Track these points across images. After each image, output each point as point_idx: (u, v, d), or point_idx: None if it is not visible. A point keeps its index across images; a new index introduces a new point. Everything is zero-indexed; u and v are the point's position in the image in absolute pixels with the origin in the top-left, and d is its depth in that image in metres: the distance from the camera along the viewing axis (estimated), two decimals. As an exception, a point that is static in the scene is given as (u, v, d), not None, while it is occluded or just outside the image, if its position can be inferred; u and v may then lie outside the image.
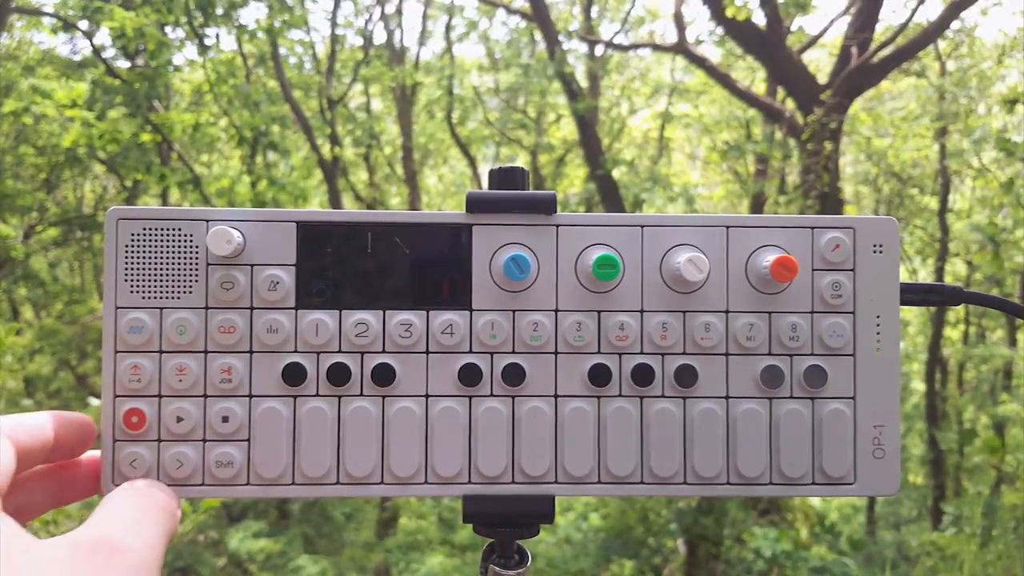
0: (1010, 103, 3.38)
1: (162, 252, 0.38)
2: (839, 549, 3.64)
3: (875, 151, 6.66)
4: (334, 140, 6.54)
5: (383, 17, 7.22)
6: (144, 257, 0.38)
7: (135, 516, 0.32)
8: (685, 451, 0.39)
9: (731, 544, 3.98)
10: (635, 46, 6.76)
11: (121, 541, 0.30)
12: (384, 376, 0.38)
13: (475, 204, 0.39)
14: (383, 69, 6.73)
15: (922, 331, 7.33)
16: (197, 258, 0.38)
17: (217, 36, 5.53)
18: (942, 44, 6.00)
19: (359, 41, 7.24)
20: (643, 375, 0.39)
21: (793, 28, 5.30)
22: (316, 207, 7.13)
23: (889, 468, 0.40)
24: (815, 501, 4.42)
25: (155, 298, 0.38)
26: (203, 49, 5.33)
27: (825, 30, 5.68)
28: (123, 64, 5.23)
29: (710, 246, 0.39)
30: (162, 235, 0.38)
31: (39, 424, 0.35)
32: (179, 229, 0.38)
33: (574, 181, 7.81)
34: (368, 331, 0.38)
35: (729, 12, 4.09)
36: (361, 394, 0.38)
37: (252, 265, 0.38)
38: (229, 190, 5.35)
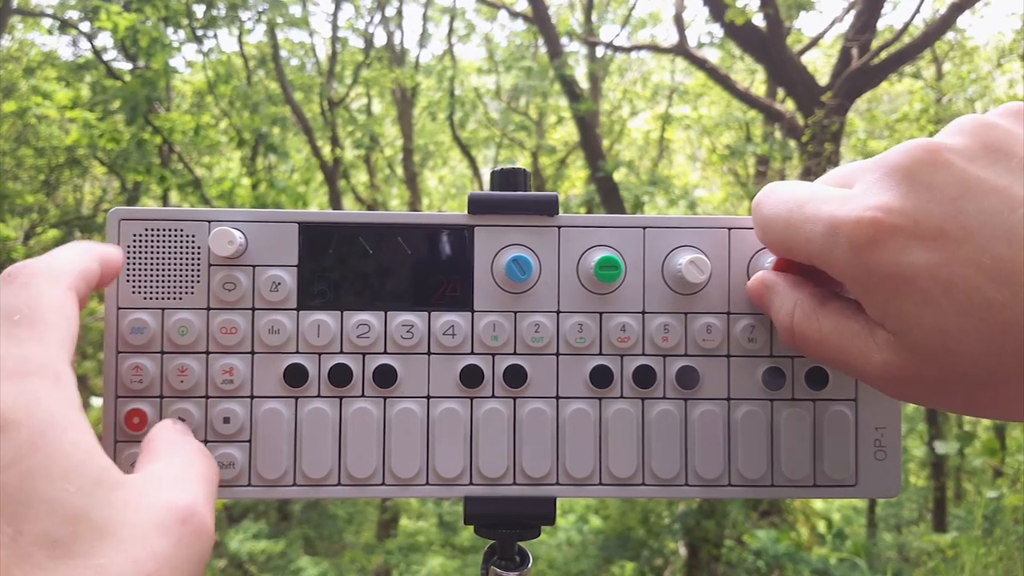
0: None
1: (164, 253, 0.38)
2: (842, 550, 3.64)
3: (872, 153, 6.66)
4: (335, 142, 6.55)
5: (383, 19, 7.23)
6: (146, 258, 0.38)
7: (208, 491, 0.30)
8: (686, 453, 0.39)
9: (732, 546, 3.98)
10: (636, 48, 6.77)
11: (205, 517, 0.28)
12: (385, 377, 0.38)
13: (477, 205, 0.39)
14: (384, 71, 6.73)
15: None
16: (199, 259, 0.38)
17: (216, 36, 5.53)
18: (939, 47, 6.00)
19: (360, 43, 7.26)
20: (645, 377, 0.39)
21: (793, 28, 5.30)
22: (316, 209, 7.13)
23: (890, 470, 0.40)
24: (817, 503, 4.42)
25: (157, 299, 0.38)
26: (204, 51, 5.33)
27: (825, 31, 5.68)
28: (124, 66, 5.24)
29: (712, 248, 0.39)
30: (164, 236, 0.38)
31: (94, 272, 0.32)
32: (181, 230, 0.38)
33: (575, 183, 7.81)
34: (369, 332, 0.38)
35: (729, 17, 4.10)
36: (362, 395, 0.38)
37: (254, 266, 0.38)
38: (230, 192, 5.35)
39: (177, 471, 0.30)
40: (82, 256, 0.32)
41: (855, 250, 0.29)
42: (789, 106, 4.99)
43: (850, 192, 0.31)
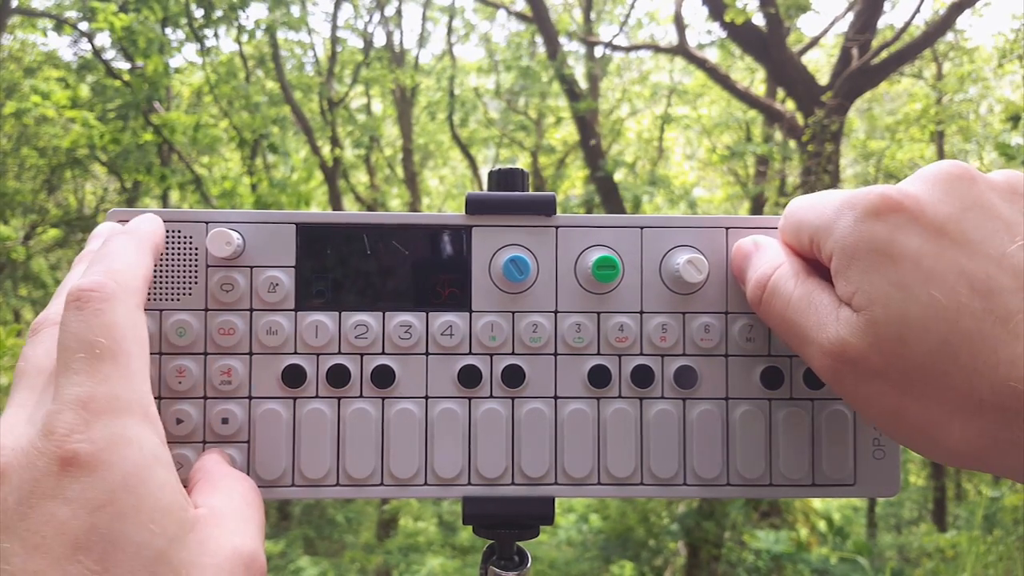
0: (1014, 119, 3.38)
1: (162, 254, 0.38)
2: (844, 550, 3.64)
3: (872, 153, 6.67)
4: (334, 142, 6.55)
5: (383, 19, 7.23)
6: None
7: (262, 534, 0.32)
8: (685, 452, 0.39)
9: (732, 546, 3.98)
10: (635, 47, 6.76)
11: (263, 562, 0.30)
12: (384, 378, 0.38)
13: (475, 206, 0.39)
14: (383, 71, 6.73)
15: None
16: (196, 260, 0.38)
17: (216, 35, 5.53)
18: (939, 47, 6.00)
19: (359, 43, 7.26)
20: (643, 376, 0.39)
21: (794, 28, 5.30)
22: (316, 209, 7.14)
23: (889, 469, 0.40)
24: (817, 503, 4.42)
25: (155, 300, 0.38)
26: (204, 51, 5.33)
27: (826, 31, 5.68)
28: (125, 66, 5.24)
29: (709, 247, 0.39)
30: None
31: (151, 271, 0.33)
32: (178, 231, 0.38)
33: (575, 182, 7.81)
34: (368, 332, 0.38)
35: (729, 17, 4.10)
36: (361, 395, 0.38)
37: (252, 267, 0.38)
38: (230, 192, 5.36)
39: (239, 512, 0.31)
40: (140, 257, 0.32)
41: (859, 217, 0.31)
42: (789, 106, 4.99)
43: None
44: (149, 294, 0.38)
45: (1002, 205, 0.30)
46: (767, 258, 0.36)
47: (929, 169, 0.31)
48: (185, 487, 0.30)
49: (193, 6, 5.05)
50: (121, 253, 0.32)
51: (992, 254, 0.28)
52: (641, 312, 0.39)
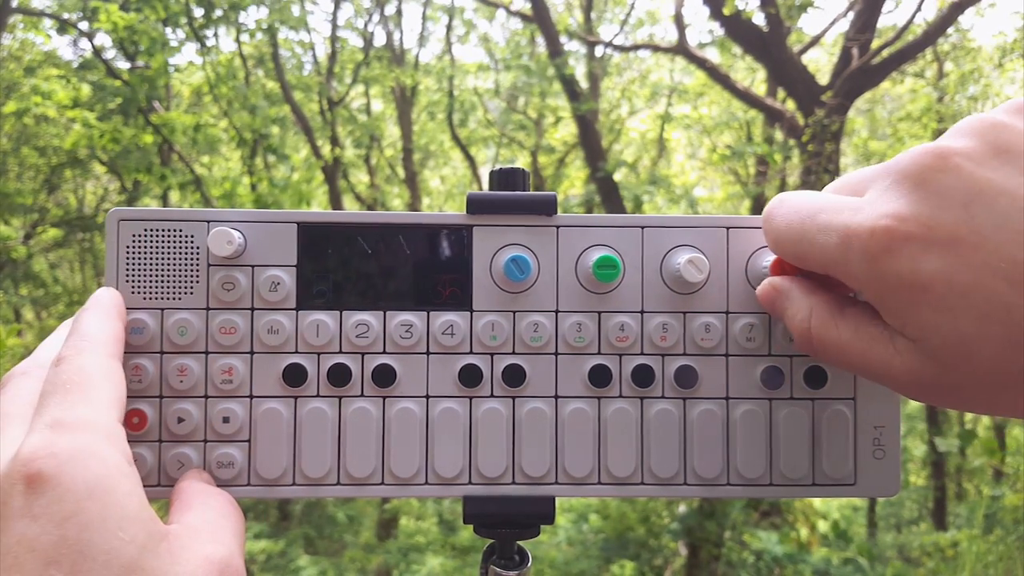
0: None
1: (163, 253, 0.38)
2: (847, 551, 3.64)
3: (873, 152, 6.68)
4: (334, 141, 6.55)
5: (383, 19, 7.23)
6: (145, 258, 0.38)
7: (240, 542, 0.32)
8: (685, 452, 0.39)
9: (732, 545, 3.98)
10: (635, 47, 6.76)
11: (239, 569, 0.30)
12: (385, 377, 0.38)
13: (475, 205, 0.39)
14: (383, 70, 6.73)
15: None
16: (198, 259, 0.38)
17: (216, 35, 5.53)
18: (940, 46, 6.00)
19: (359, 43, 7.26)
20: (643, 376, 0.39)
21: (795, 28, 5.30)
22: (317, 209, 7.13)
23: (890, 469, 0.40)
24: (817, 502, 4.42)
25: (156, 299, 0.38)
26: (204, 50, 5.34)
27: (826, 30, 5.68)
28: (125, 65, 5.24)
29: (710, 247, 0.39)
30: (163, 236, 0.38)
31: (122, 331, 0.36)
32: (180, 230, 0.38)
33: (575, 182, 7.81)
34: (369, 332, 0.38)
35: (727, 10, 4.09)
36: (362, 395, 0.38)
37: (253, 266, 0.38)
38: (230, 192, 5.36)
39: (212, 523, 0.32)
40: (107, 322, 0.35)
41: (870, 259, 0.29)
42: (789, 106, 4.99)
43: (862, 201, 0.31)
44: (151, 294, 0.38)
45: (996, 176, 0.28)
46: (795, 309, 0.35)
47: (908, 170, 0.29)
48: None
49: (193, 5, 5.05)
50: (88, 322, 0.35)
51: (1013, 238, 0.27)
52: (642, 312, 0.39)
